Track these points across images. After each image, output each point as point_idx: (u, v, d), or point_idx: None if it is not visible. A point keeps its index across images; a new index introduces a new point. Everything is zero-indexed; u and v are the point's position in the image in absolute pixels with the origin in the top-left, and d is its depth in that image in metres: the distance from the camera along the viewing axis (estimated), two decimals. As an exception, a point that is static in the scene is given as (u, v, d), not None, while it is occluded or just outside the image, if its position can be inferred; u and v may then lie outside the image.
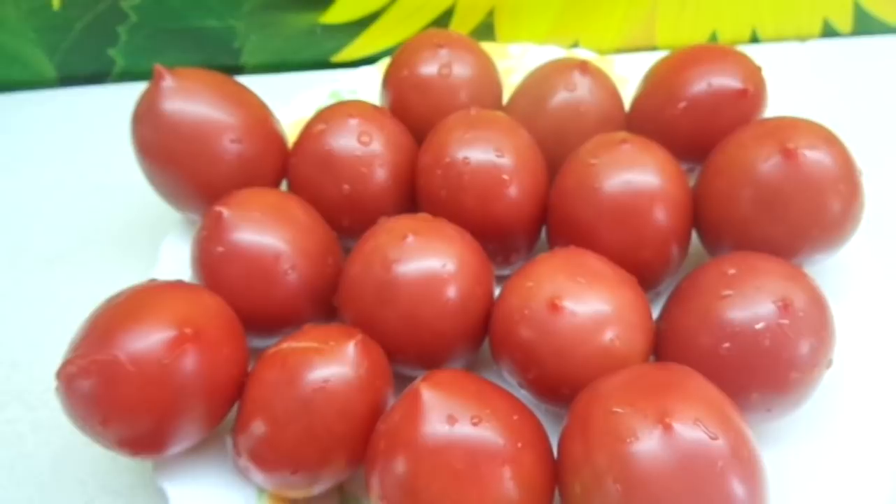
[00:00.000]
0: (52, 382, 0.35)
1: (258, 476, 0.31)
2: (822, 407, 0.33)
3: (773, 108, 0.41)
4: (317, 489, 0.31)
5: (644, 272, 0.35)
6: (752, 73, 0.40)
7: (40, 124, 0.56)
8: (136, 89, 0.40)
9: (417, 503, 0.26)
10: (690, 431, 0.25)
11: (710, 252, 0.39)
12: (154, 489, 0.35)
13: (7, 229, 0.48)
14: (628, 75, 0.50)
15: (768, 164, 0.34)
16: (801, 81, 0.56)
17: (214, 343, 0.30)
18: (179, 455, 0.32)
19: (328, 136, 0.38)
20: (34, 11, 0.55)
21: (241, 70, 0.59)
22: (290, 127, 0.46)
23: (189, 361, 0.29)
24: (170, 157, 0.38)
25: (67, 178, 0.51)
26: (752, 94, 0.39)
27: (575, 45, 0.60)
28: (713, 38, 0.61)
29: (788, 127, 0.35)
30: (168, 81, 0.37)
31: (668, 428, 0.25)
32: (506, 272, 0.40)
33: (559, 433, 0.29)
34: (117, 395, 0.28)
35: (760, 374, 0.30)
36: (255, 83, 0.42)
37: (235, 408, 0.32)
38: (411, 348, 0.33)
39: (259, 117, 0.40)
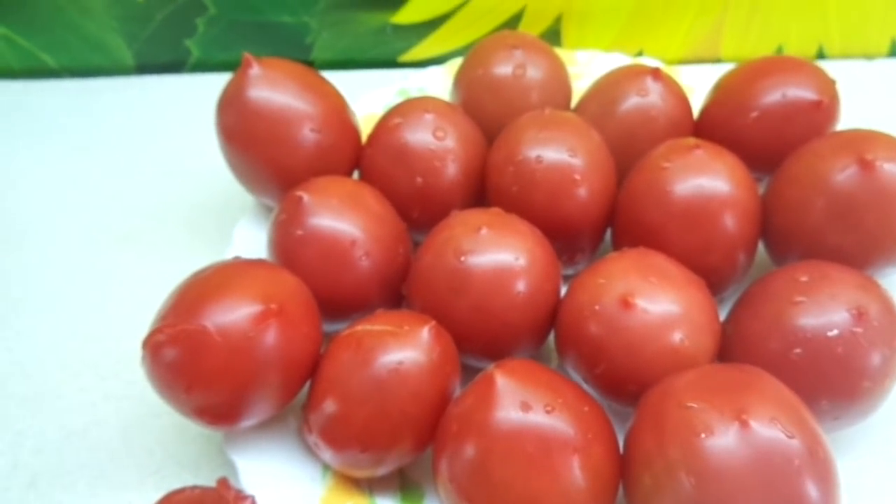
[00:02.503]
0: (124, 354, 0.37)
1: (327, 453, 0.31)
2: (888, 418, 0.33)
3: (841, 124, 0.41)
4: (381, 470, 0.32)
5: (710, 277, 0.35)
6: (827, 86, 0.40)
7: (118, 110, 0.58)
8: (210, 80, 0.41)
9: (488, 486, 0.27)
10: (767, 429, 0.25)
11: (776, 261, 0.39)
12: (217, 462, 0.36)
13: (84, 209, 0.50)
14: (693, 85, 0.51)
15: (844, 174, 0.34)
16: (867, 99, 0.56)
17: (295, 320, 0.31)
18: (249, 430, 0.33)
19: (404, 129, 0.39)
20: (118, 1, 0.57)
21: (310, 66, 0.60)
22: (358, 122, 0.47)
23: (271, 336, 0.30)
24: (252, 142, 0.39)
25: (141, 161, 0.53)
26: (826, 106, 0.39)
27: (640, 54, 0.61)
28: (779, 52, 0.60)
29: (866, 139, 0.35)
30: (255, 69, 0.38)
31: (744, 424, 0.25)
32: (569, 272, 0.41)
33: (622, 430, 0.30)
34: (204, 364, 0.29)
35: (832, 381, 0.30)
36: (325, 79, 0.43)
37: (306, 388, 0.33)
38: (479, 338, 0.34)
39: (337, 108, 0.41)
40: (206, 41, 0.59)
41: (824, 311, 0.30)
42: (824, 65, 0.42)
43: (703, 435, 0.25)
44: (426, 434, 0.31)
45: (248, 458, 0.33)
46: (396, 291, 0.37)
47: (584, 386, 0.34)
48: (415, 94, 0.52)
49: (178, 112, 0.57)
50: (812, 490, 0.24)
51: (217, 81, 0.41)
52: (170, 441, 0.37)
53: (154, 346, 0.29)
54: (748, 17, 0.59)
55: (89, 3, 0.56)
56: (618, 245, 0.39)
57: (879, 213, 0.34)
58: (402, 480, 0.34)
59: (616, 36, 0.60)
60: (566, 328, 0.34)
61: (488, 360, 0.33)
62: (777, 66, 0.41)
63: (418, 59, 0.61)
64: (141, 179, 0.52)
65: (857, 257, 0.34)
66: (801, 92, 0.39)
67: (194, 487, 0.32)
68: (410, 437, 0.31)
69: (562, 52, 0.51)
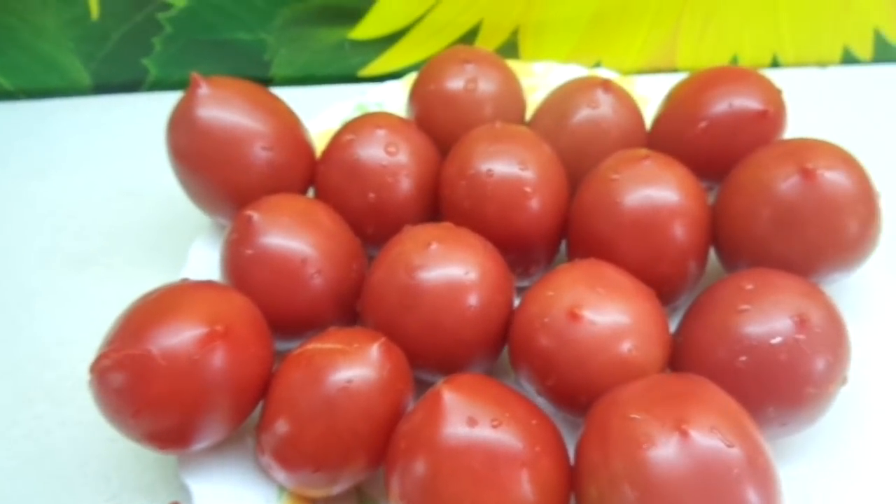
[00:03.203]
0: (80, 380, 0.37)
1: (280, 474, 0.31)
2: (837, 424, 0.34)
3: (793, 131, 0.42)
4: (336, 489, 0.32)
5: (662, 287, 0.35)
6: (773, 96, 0.40)
7: (74, 130, 0.57)
8: (168, 98, 0.41)
9: (437, 503, 0.27)
10: (707, 439, 0.25)
11: (728, 269, 0.39)
12: (175, 487, 0.36)
13: (40, 231, 0.49)
14: (649, 95, 0.51)
15: (787, 183, 0.34)
16: (820, 107, 0.57)
17: (242, 341, 0.31)
18: (203, 453, 0.33)
19: (356, 145, 0.39)
20: (73, 21, 0.56)
21: (269, 82, 0.61)
22: (317, 138, 0.47)
23: (218, 358, 0.30)
24: (203, 162, 0.39)
25: (99, 182, 0.53)
26: (772, 115, 0.40)
27: (597, 65, 0.61)
28: (734, 61, 0.61)
29: (808, 148, 0.35)
30: (204, 89, 0.38)
31: (684, 434, 0.25)
32: (525, 284, 0.41)
33: (575, 441, 0.30)
34: (149, 388, 0.29)
35: (776, 388, 0.30)
36: (284, 95, 0.43)
37: (259, 407, 0.33)
38: (432, 354, 0.34)
39: (289, 126, 0.41)
40: (163, 60, 0.59)
41: (768, 318, 0.31)
42: (778, 73, 0.42)
43: (645, 446, 0.25)
44: (379, 451, 0.31)
45: (202, 482, 0.33)
46: (351, 308, 0.37)
47: (537, 399, 0.34)
48: (373, 108, 0.52)
49: (136, 132, 0.56)
50: (752, 498, 0.25)
51: (175, 100, 0.41)
52: (126, 466, 0.37)
53: (100, 372, 0.29)
54: (702, 27, 0.59)
55: (43, 23, 0.56)
56: (572, 256, 0.40)
57: (822, 221, 0.34)
58: (359, 498, 0.34)
59: (573, 47, 0.60)
60: (518, 341, 0.34)
61: (443, 375, 0.32)
62: (724, 76, 0.41)
63: (378, 74, 0.61)
64: (98, 200, 0.51)
65: (803, 265, 0.35)
66: (746, 102, 0.40)
67: (146, 512, 0.31)
68: (363, 454, 0.31)
69: (518, 65, 0.51)
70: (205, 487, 0.33)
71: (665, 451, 0.25)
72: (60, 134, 0.57)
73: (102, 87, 0.60)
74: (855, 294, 0.38)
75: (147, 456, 0.37)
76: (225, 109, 0.39)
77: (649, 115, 0.45)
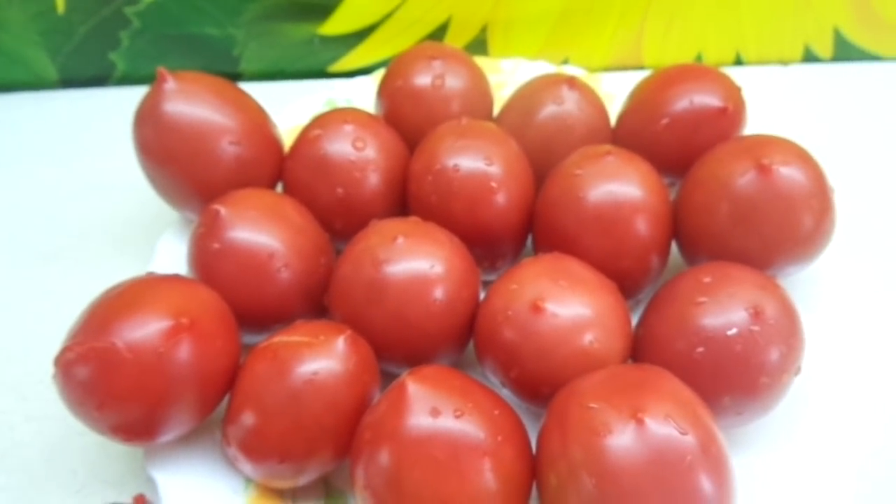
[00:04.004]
0: (46, 374, 0.37)
1: (246, 466, 0.32)
2: (792, 413, 0.35)
3: (754, 128, 0.42)
4: (302, 480, 0.32)
5: (625, 280, 0.36)
6: (732, 93, 0.41)
7: (41, 124, 0.57)
8: (135, 93, 0.41)
9: (400, 493, 0.27)
10: (661, 426, 0.26)
11: (689, 262, 0.40)
12: (143, 478, 0.36)
13: (5, 226, 0.49)
14: (615, 92, 0.52)
15: (744, 178, 0.35)
16: (781, 103, 0.58)
17: (208, 334, 0.31)
18: (169, 445, 0.33)
19: (324, 141, 0.40)
20: (39, 15, 0.56)
21: (239, 77, 0.60)
22: (286, 133, 0.47)
23: (184, 351, 0.30)
24: (169, 157, 0.39)
25: (65, 177, 0.52)
26: (731, 112, 0.41)
27: (565, 62, 0.62)
28: (698, 59, 0.62)
29: (764, 144, 0.36)
30: (170, 84, 0.38)
31: (640, 422, 0.26)
32: (492, 277, 0.41)
33: (538, 431, 0.30)
34: (114, 381, 0.29)
35: (732, 378, 0.31)
36: (253, 90, 0.43)
37: (226, 400, 0.33)
38: (398, 346, 0.34)
39: (257, 121, 0.41)
40: (131, 54, 0.59)
41: (724, 310, 0.31)
42: (741, 71, 0.43)
43: (601, 434, 0.26)
44: (345, 443, 0.31)
45: (168, 473, 0.33)
46: (319, 302, 0.37)
47: (502, 391, 0.34)
48: (342, 104, 0.52)
49: (103, 126, 0.56)
50: (705, 484, 0.25)
51: (143, 95, 0.40)
52: (94, 459, 0.37)
53: (64, 365, 0.29)
54: (667, 26, 0.60)
55: (8, 17, 0.55)
56: (538, 250, 0.40)
57: (778, 215, 0.35)
58: (326, 489, 0.34)
59: (542, 45, 0.61)
60: (483, 333, 0.34)
61: (409, 367, 0.33)
62: (685, 73, 0.42)
63: (347, 70, 0.61)
64: (65, 195, 0.51)
65: (760, 258, 0.36)
66: (707, 99, 0.41)
67: (111, 505, 0.32)
68: (329, 446, 0.31)
69: (486, 61, 0.52)
70: (171, 479, 0.33)
71: (621, 439, 0.26)
72: (26, 128, 0.57)
73: (69, 81, 0.60)
74: (809, 287, 0.39)
75: (114, 449, 0.37)
76: (192, 104, 0.39)
77: (615, 112, 0.46)
